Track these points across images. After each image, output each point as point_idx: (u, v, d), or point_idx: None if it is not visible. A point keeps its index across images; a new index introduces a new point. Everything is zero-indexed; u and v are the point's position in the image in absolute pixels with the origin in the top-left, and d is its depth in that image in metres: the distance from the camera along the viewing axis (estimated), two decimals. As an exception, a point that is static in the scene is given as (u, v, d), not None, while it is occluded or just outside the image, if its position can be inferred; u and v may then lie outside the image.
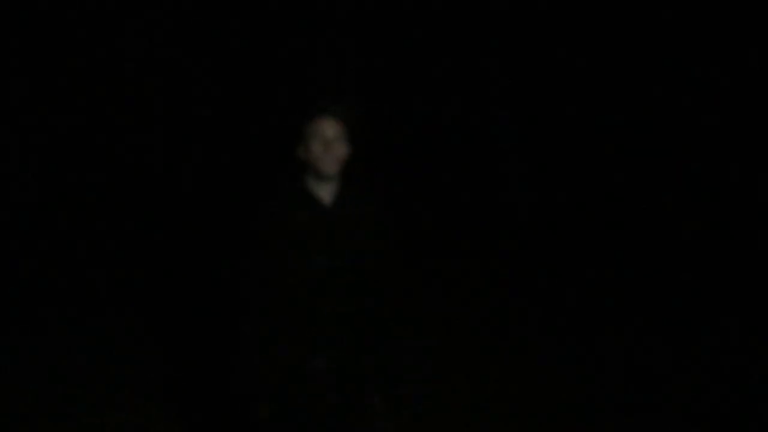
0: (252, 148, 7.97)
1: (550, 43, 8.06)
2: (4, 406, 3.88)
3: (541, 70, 8.23)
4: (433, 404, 3.85)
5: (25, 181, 7.82)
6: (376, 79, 8.18)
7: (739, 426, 3.62)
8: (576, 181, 8.19)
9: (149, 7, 8.03)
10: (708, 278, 5.97)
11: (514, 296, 5.85)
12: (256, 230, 2.34)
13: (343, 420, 2.31)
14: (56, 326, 5.11)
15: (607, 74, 7.97)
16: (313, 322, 2.29)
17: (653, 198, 7.75)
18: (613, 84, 7.96)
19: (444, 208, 8.34)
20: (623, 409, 3.82)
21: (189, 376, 4.25)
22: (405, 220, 7.51)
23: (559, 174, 8.32)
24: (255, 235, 2.34)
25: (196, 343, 4.68)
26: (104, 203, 7.91)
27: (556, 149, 8.37)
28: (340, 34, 7.85)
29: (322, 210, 2.34)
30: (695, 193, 7.41)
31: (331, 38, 7.86)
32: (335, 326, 2.30)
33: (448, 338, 4.88)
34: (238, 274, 2.35)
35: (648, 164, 7.85)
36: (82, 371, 4.35)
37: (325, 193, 2.36)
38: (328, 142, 2.32)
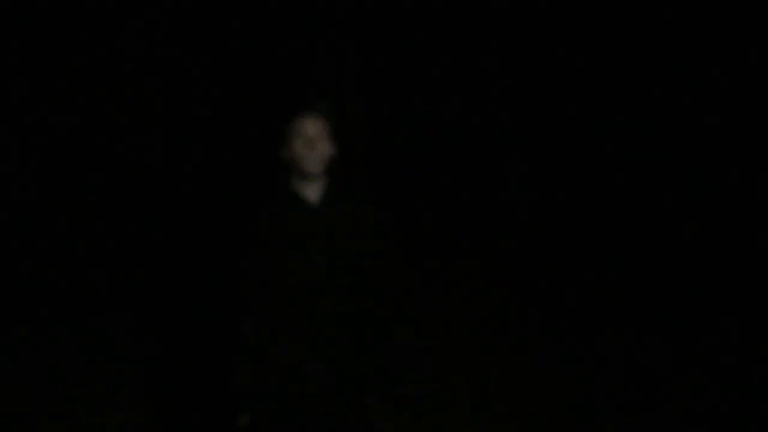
0: (252, 149, 7.97)
1: (550, 43, 8.05)
2: (4, 406, 3.89)
3: (541, 70, 8.23)
4: (433, 404, 3.86)
5: (25, 181, 7.81)
6: (376, 79, 8.17)
7: (739, 426, 3.62)
8: (576, 181, 8.18)
9: (149, 7, 8.02)
10: (708, 278, 5.97)
11: (514, 296, 5.85)
12: (247, 231, 2.35)
13: (343, 420, 2.31)
14: (56, 326, 5.11)
15: (607, 74, 7.96)
16: (307, 322, 2.27)
17: (653, 198, 7.74)
18: (613, 84, 7.96)
19: (444, 208, 8.33)
20: (623, 409, 3.82)
21: (189, 376, 4.25)
22: (405, 220, 7.50)
23: (559, 174, 8.32)
24: (247, 237, 2.34)
25: (196, 343, 4.68)
26: (104, 203, 7.90)
27: (556, 149, 8.36)
28: (340, 34, 7.84)
29: (308, 210, 2.33)
30: (695, 193, 7.41)
31: (331, 38, 7.86)
32: (331, 327, 2.29)
33: (448, 338, 4.88)
34: (237, 275, 2.36)
35: (648, 164, 7.84)
36: (82, 371, 4.35)
37: (312, 192, 2.34)
38: (311, 141, 2.30)
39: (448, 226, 8.01)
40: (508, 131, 8.47)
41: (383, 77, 8.30)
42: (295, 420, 2.28)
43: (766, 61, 7.13)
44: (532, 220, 8.21)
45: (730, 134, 7.34)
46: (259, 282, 2.31)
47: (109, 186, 8.08)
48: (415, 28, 8.18)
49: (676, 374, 4.26)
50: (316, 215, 2.32)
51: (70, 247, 6.87)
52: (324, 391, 2.28)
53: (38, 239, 7.01)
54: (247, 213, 2.40)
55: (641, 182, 7.86)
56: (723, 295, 5.58)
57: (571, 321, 5.17)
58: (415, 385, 3.95)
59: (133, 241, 7.17)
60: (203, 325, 4.89)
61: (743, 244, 6.66)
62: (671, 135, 7.72)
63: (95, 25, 7.87)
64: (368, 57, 8.08)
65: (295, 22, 7.91)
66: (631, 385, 4.11)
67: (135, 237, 7.29)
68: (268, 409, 2.29)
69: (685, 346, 4.65)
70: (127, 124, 8.23)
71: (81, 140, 8.07)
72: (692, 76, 7.49)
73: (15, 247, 6.78)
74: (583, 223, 7.73)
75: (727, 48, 7.28)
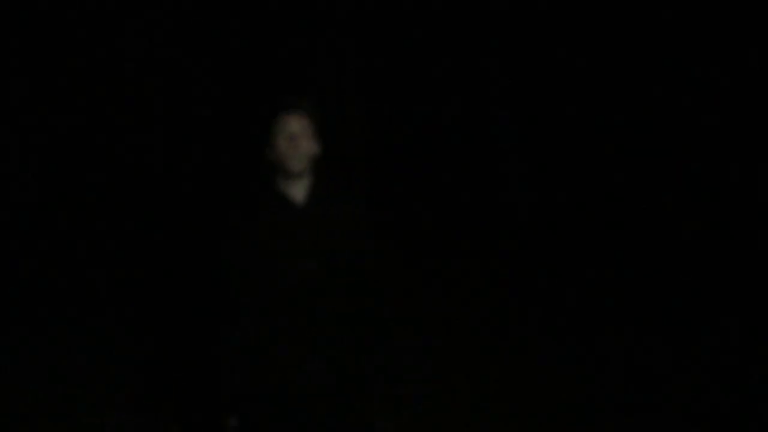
0: (252, 149, 7.96)
1: (550, 43, 8.05)
2: (4, 406, 3.89)
3: (541, 70, 8.23)
4: (433, 404, 3.85)
5: (25, 181, 7.81)
6: (376, 79, 8.17)
7: (739, 426, 3.62)
8: (576, 181, 8.18)
9: (149, 7, 8.02)
10: (708, 278, 5.97)
11: (514, 296, 5.84)
12: (229, 233, 2.31)
13: (343, 420, 2.30)
14: (56, 326, 5.10)
15: (607, 74, 7.96)
16: (296, 323, 2.25)
17: (653, 198, 7.74)
18: (613, 84, 7.95)
19: (444, 208, 8.33)
20: (623, 409, 3.82)
21: (189, 376, 4.25)
22: (405, 220, 7.50)
23: (559, 174, 8.31)
24: (228, 239, 2.31)
25: (197, 343, 4.68)
26: (104, 203, 7.90)
27: (556, 149, 8.36)
28: (340, 34, 7.84)
29: (294, 210, 2.29)
30: (695, 193, 7.40)
31: (331, 38, 7.86)
32: (323, 327, 2.26)
33: (448, 338, 4.88)
34: (218, 277, 2.34)
35: (648, 164, 7.84)
36: (82, 371, 4.35)
37: (297, 192, 2.30)
38: (294, 138, 2.26)
39: (448, 226, 8.01)
40: (508, 131, 8.47)
41: (383, 77, 8.30)
42: (295, 420, 2.27)
43: (766, 61, 7.13)
44: (532, 220, 8.21)
45: (730, 134, 7.33)
46: (245, 285, 2.27)
47: (109, 186, 8.07)
48: (415, 28, 8.17)
49: (676, 374, 4.26)
50: (301, 215, 2.28)
51: (70, 247, 6.87)
52: (324, 391, 2.27)
53: (38, 239, 7.00)
54: (232, 213, 2.36)
55: (641, 182, 7.86)
56: (723, 295, 5.57)
57: (571, 321, 5.16)
58: (415, 385, 3.95)
59: (133, 241, 7.17)
60: (203, 325, 4.89)
61: (743, 244, 6.66)
62: (671, 135, 7.72)
63: (95, 25, 7.87)
64: (368, 57, 8.08)
65: (295, 22, 7.91)
66: (631, 385, 4.11)
67: (135, 237, 7.28)
68: (267, 409, 2.28)
69: (685, 346, 4.65)
70: (127, 124, 8.22)
71: (81, 140, 8.06)
72: (692, 76, 7.49)
73: (15, 247, 6.78)
74: (583, 223, 7.73)
75: (727, 48, 7.28)
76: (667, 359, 4.47)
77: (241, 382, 2.29)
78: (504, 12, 8.05)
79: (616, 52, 7.88)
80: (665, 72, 7.70)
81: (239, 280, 2.30)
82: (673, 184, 7.66)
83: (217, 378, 2.33)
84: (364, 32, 7.95)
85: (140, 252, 6.89)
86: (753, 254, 6.38)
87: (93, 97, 8.05)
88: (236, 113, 8.26)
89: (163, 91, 8.37)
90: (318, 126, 2.33)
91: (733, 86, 7.30)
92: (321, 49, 7.85)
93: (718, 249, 6.72)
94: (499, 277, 6.32)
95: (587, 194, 8.03)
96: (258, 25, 8.05)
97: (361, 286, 2.33)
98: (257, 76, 8.21)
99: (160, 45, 8.19)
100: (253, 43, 8.13)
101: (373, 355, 2.34)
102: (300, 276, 2.25)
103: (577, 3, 7.84)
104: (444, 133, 8.64)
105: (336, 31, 7.83)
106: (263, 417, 2.29)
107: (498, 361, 4.49)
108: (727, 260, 6.38)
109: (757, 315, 5.12)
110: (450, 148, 8.65)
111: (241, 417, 2.31)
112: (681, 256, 6.65)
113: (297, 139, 2.26)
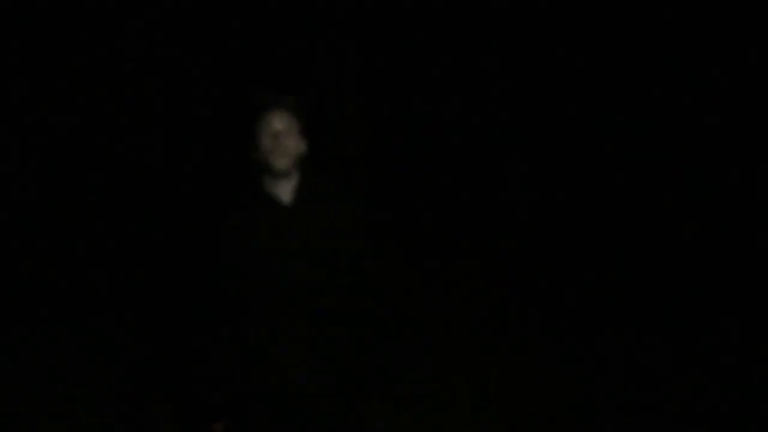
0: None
1: (550, 43, 8.05)
2: (4, 406, 3.88)
3: (541, 70, 8.23)
4: (433, 404, 3.85)
5: (25, 181, 7.81)
6: (376, 79, 8.17)
7: (739, 426, 3.62)
8: (576, 181, 8.18)
9: (149, 7, 8.02)
10: (708, 278, 5.97)
11: (514, 296, 5.84)
12: (218, 234, 2.29)
13: (343, 420, 2.30)
14: (56, 326, 5.10)
15: (607, 74, 7.96)
16: (290, 324, 2.23)
17: (653, 198, 7.74)
18: (613, 84, 7.95)
19: (444, 208, 8.33)
20: (623, 409, 3.82)
21: (189, 376, 4.24)
22: (405, 220, 7.50)
23: (559, 174, 8.31)
24: (216, 241, 2.30)
25: (196, 343, 4.67)
26: (104, 203, 7.90)
27: (556, 149, 8.36)
28: (340, 34, 7.84)
29: (281, 210, 2.26)
30: (695, 193, 7.40)
31: (331, 38, 7.86)
32: (316, 327, 2.24)
33: (448, 338, 4.88)
34: (204, 278, 2.33)
35: (648, 164, 7.84)
36: (82, 371, 4.35)
37: (283, 191, 2.26)
38: (278, 135, 2.22)
39: (448, 226, 8.01)
40: (508, 131, 8.47)
41: (383, 77, 8.30)
42: (295, 420, 2.27)
43: (766, 61, 7.13)
44: (532, 220, 8.21)
45: (730, 134, 7.33)
46: (234, 285, 2.26)
47: (109, 186, 8.07)
48: (415, 28, 8.18)
49: (676, 374, 4.25)
50: (289, 215, 2.24)
51: (70, 247, 6.87)
52: (323, 391, 2.26)
53: (38, 239, 7.00)
54: (220, 213, 2.34)
55: (641, 182, 7.86)
56: (723, 295, 5.57)
57: (571, 321, 5.16)
58: (415, 385, 3.95)
59: (133, 241, 7.17)
60: (203, 325, 4.88)
61: (743, 244, 6.66)
62: (671, 135, 7.72)
63: (95, 25, 7.87)
64: (368, 57, 8.08)
65: (295, 22, 7.91)
66: (631, 385, 4.11)
67: (135, 237, 7.28)
68: (266, 410, 2.28)
69: (685, 346, 4.65)
70: (127, 124, 8.22)
71: (81, 140, 8.06)
72: (692, 76, 7.49)
73: (15, 247, 6.78)
74: (583, 223, 7.73)
75: (727, 48, 7.28)
76: (667, 359, 4.47)
77: (238, 383, 2.28)
78: (504, 12, 8.04)
79: (616, 52, 7.87)
80: (665, 72, 7.70)
81: (228, 281, 2.28)
82: (673, 184, 7.66)
83: (204, 383, 2.31)
84: (364, 32, 7.95)
85: (140, 252, 6.89)
86: (753, 254, 6.38)
87: (93, 97, 8.05)
88: (236, 113, 8.27)
89: (163, 91, 8.37)
90: (304, 124, 2.30)
91: (733, 86, 7.30)
92: (321, 49, 7.85)
93: (718, 249, 6.72)
94: (499, 277, 6.32)
95: (587, 194, 8.03)
96: (258, 25, 8.05)
97: (358, 285, 2.31)
98: (257, 76, 8.21)
99: (160, 45, 8.18)
100: (253, 43, 8.13)
101: (373, 354, 2.33)
102: (293, 276, 2.22)
103: (577, 3, 7.84)
104: (444, 133, 8.64)
105: (336, 31, 7.83)
106: (262, 417, 2.28)
107: (498, 361, 4.49)
108: (727, 260, 6.38)
109: (757, 315, 5.11)
110: (450, 148, 8.65)
111: (240, 418, 2.30)
112: (681, 256, 6.65)
113: (281, 137, 2.23)
